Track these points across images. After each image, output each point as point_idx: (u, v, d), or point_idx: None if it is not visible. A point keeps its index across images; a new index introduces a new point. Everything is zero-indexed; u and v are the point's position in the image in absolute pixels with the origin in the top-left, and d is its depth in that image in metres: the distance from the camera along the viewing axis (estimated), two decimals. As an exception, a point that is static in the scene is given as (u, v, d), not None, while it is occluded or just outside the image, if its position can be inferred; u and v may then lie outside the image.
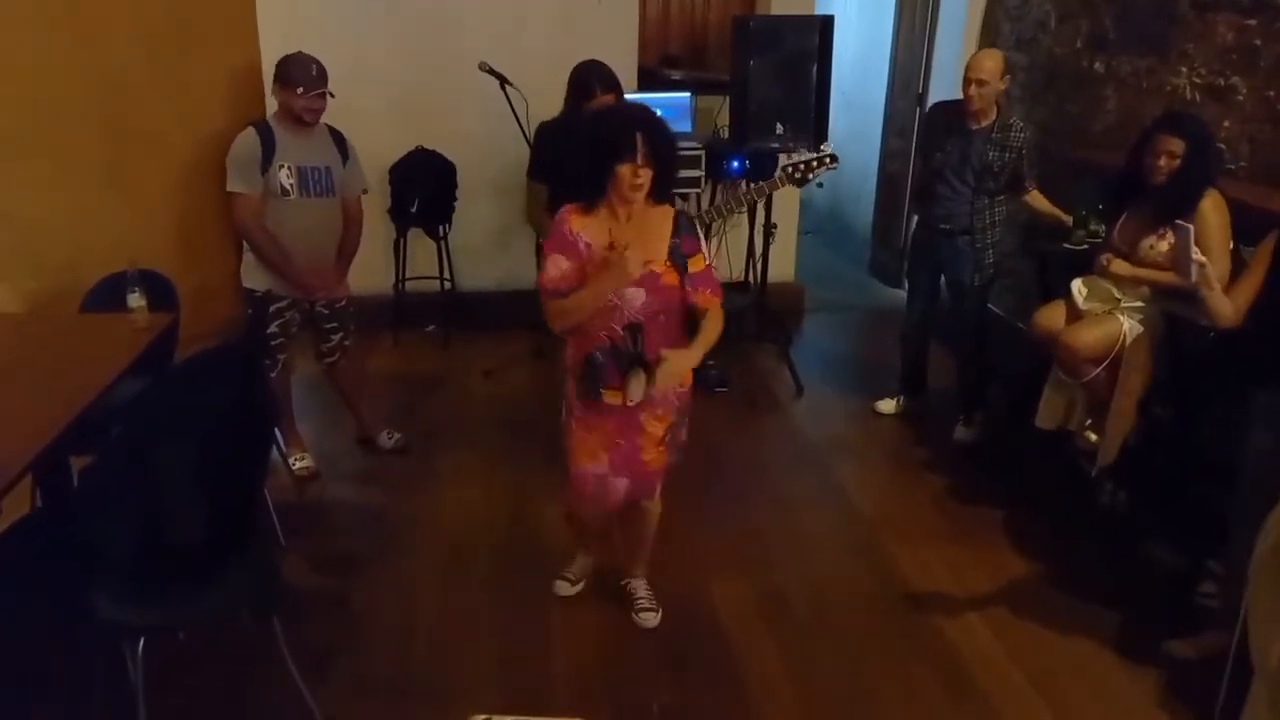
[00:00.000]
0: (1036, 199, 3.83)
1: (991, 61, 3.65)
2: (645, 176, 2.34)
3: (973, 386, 4.14)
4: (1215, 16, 3.58)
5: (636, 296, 2.42)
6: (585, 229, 2.43)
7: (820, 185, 3.54)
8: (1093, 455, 3.36)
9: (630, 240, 2.37)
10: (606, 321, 2.44)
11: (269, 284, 3.41)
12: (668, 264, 2.44)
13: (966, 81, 3.67)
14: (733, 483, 3.78)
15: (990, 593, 3.07)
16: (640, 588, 2.95)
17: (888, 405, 4.34)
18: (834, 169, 3.51)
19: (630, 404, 2.48)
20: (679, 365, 2.45)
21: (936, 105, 4.18)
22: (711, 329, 2.50)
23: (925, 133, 3.93)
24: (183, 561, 2.16)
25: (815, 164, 3.44)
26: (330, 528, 3.42)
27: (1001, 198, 3.80)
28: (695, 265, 2.49)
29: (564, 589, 3.01)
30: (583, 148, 2.43)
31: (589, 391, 2.50)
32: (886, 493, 3.77)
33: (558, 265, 2.43)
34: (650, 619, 2.88)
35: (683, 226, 2.48)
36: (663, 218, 2.48)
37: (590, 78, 3.24)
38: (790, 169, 3.46)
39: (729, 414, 4.35)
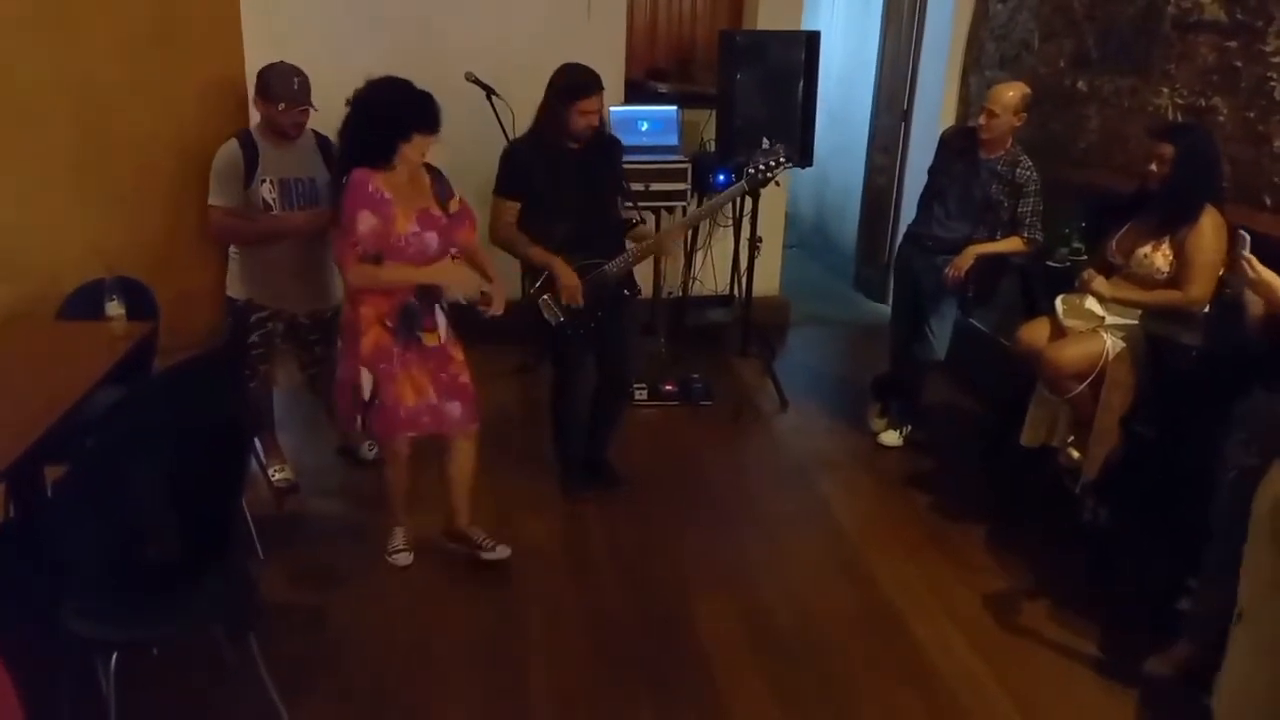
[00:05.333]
0: (1007, 243, 3.75)
1: (1011, 93, 3.63)
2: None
3: (910, 395, 4.16)
4: (1196, 38, 3.61)
5: (432, 240, 2.83)
6: (384, 186, 2.74)
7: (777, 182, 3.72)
8: (1075, 472, 3.37)
9: (409, 193, 2.81)
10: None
11: (252, 293, 3.37)
12: (440, 208, 2.90)
13: (981, 109, 3.68)
14: (715, 497, 3.77)
15: (973, 610, 3.06)
16: (477, 531, 3.22)
17: (891, 437, 4.20)
18: (790, 167, 3.57)
19: (442, 341, 2.93)
20: (502, 297, 3.01)
21: (951, 129, 4.19)
22: (488, 259, 3.10)
23: (935, 153, 3.94)
24: (157, 576, 2.13)
25: (774, 165, 3.49)
26: (309, 540, 3.38)
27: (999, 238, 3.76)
28: (454, 206, 2.97)
29: (405, 559, 3.19)
30: (382, 117, 2.73)
31: (410, 335, 2.86)
32: (869, 508, 3.76)
33: (366, 222, 2.71)
34: (504, 550, 3.16)
35: (438, 176, 2.95)
36: (421, 171, 2.90)
37: (585, 78, 3.20)
38: (754, 172, 3.50)
39: (713, 428, 4.34)
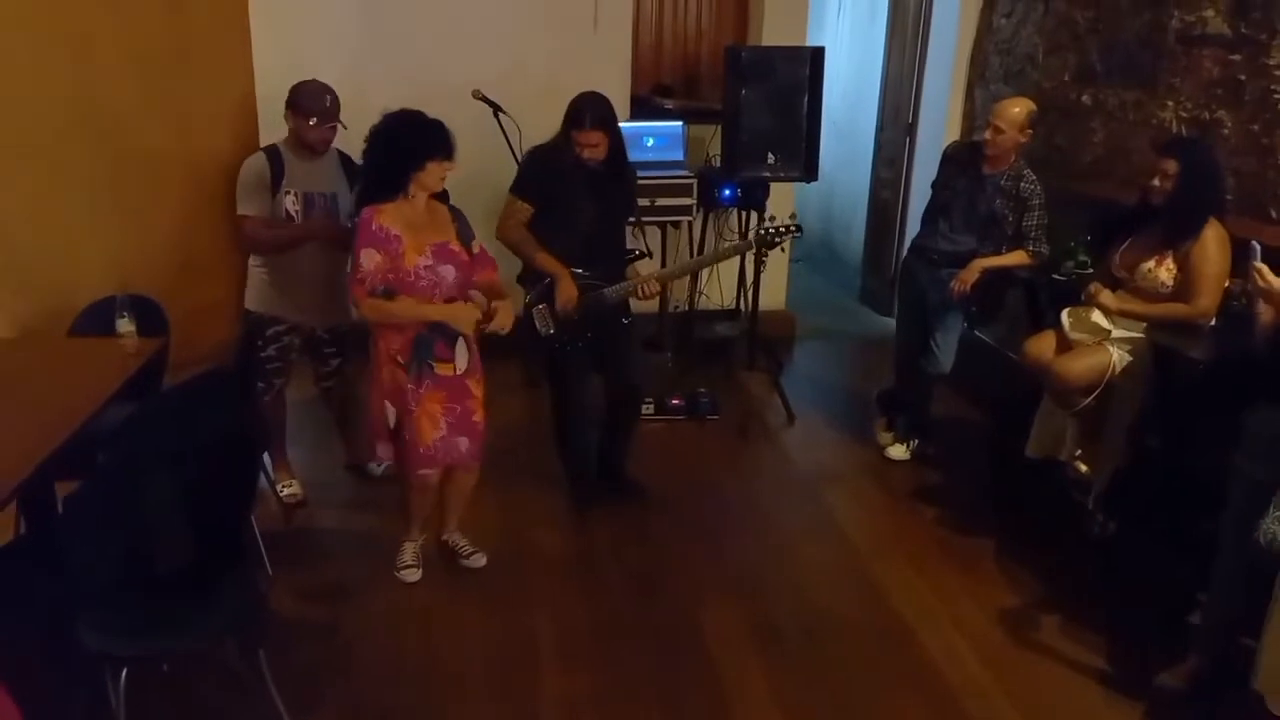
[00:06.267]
0: (1012, 256, 3.74)
1: (1016, 109, 3.63)
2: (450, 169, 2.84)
3: (917, 409, 4.17)
4: (1200, 51, 3.63)
5: (448, 273, 2.85)
6: (390, 222, 2.79)
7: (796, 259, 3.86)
8: (1083, 485, 3.37)
9: (424, 226, 2.85)
10: (429, 300, 2.84)
11: (271, 307, 3.39)
12: (460, 243, 2.92)
13: (987, 124, 3.70)
14: (723, 510, 3.77)
15: (981, 622, 3.06)
16: (459, 539, 3.32)
17: (898, 451, 4.19)
18: (798, 237, 3.73)
19: (458, 372, 2.94)
20: (507, 314, 2.97)
21: (955, 144, 4.21)
22: (504, 292, 3.08)
23: (939, 168, 3.96)
24: (168, 591, 2.14)
25: (784, 230, 3.61)
26: (318, 555, 3.39)
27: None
28: (475, 246, 2.99)
29: (413, 575, 3.20)
30: (395, 147, 2.79)
31: (423, 366, 2.88)
32: (877, 521, 3.76)
33: (371, 259, 2.77)
34: (480, 559, 3.27)
35: (459, 216, 2.99)
36: (441, 207, 2.96)
37: (584, 109, 3.26)
38: (764, 232, 3.60)
39: (720, 442, 4.35)
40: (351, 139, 3.43)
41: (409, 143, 2.78)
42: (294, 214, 3.32)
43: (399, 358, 2.89)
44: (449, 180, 2.96)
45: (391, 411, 2.96)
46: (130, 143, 3.83)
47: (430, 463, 2.99)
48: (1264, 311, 2.57)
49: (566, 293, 3.31)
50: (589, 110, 3.25)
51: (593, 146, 3.25)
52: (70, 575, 2.12)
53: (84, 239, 3.65)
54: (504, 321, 2.97)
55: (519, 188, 3.40)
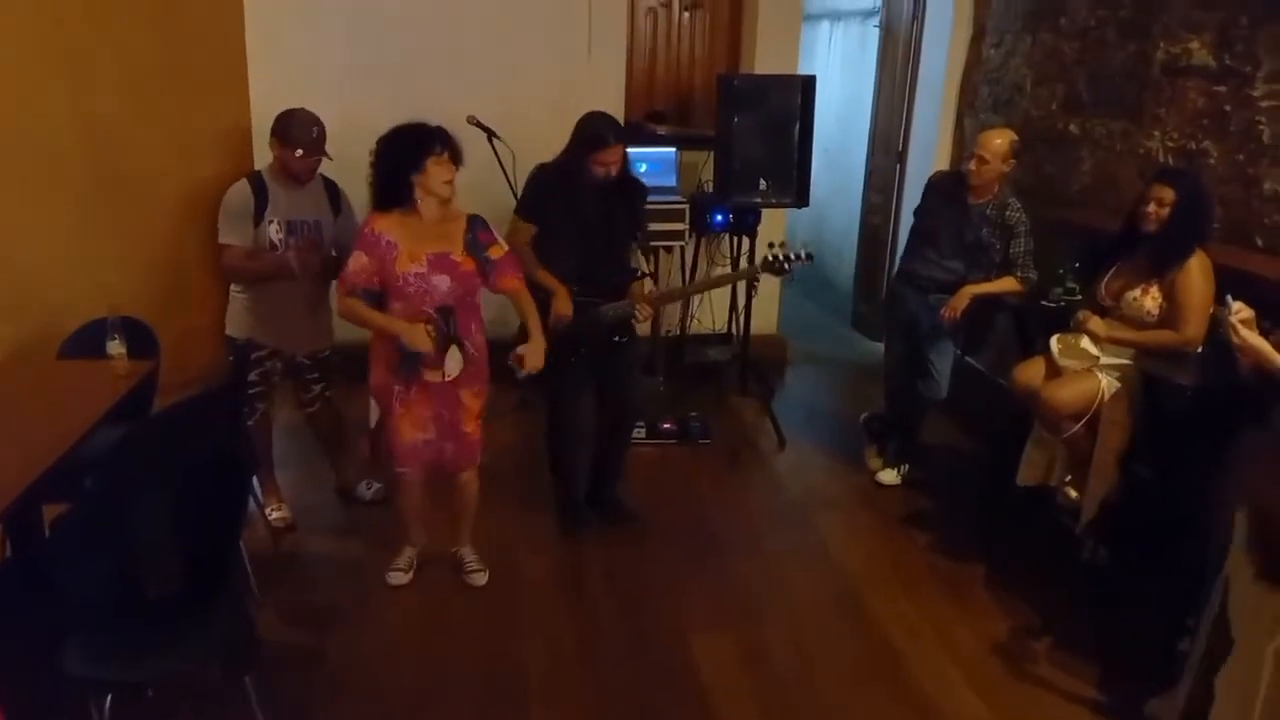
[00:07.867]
0: (1002, 283, 3.78)
1: (999, 140, 3.67)
2: (454, 174, 2.83)
3: (908, 434, 4.19)
4: (1186, 82, 3.68)
5: (442, 283, 2.86)
6: (387, 229, 2.84)
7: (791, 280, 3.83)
8: (1073, 512, 3.37)
9: (427, 235, 2.85)
10: (419, 307, 2.86)
11: (251, 333, 3.39)
12: (465, 254, 2.89)
13: (971, 155, 3.74)
14: (714, 535, 3.76)
15: (973, 650, 3.05)
16: (467, 553, 3.34)
17: (889, 476, 4.21)
18: (809, 265, 3.69)
19: (448, 379, 2.92)
20: (537, 356, 2.99)
21: (940, 173, 4.25)
22: (531, 310, 3.05)
23: (923, 197, 4.00)
24: (155, 616, 2.12)
25: (794, 258, 3.60)
26: (307, 580, 3.37)
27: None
28: (495, 253, 2.96)
29: (399, 579, 3.26)
30: (393, 153, 2.82)
31: (411, 372, 2.90)
32: (869, 547, 3.75)
33: (358, 260, 2.84)
34: (481, 578, 3.29)
35: (476, 224, 2.95)
36: (456, 217, 2.93)
37: (604, 128, 3.27)
38: (771, 258, 3.60)
39: (711, 466, 4.34)
40: (339, 168, 3.46)
41: (406, 146, 2.81)
42: (277, 242, 3.31)
43: (390, 360, 2.93)
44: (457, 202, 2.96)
45: (374, 410, 2.99)
46: (124, 166, 3.84)
47: (407, 460, 3.03)
48: (1242, 362, 2.59)
49: (559, 309, 3.31)
50: (609, 129, 3.27)
51: (615, 162, 3.27)
52: (57, 599, 2.10)
53: (75, 261, 3.64)
54: (534, 364, 2.99)
55: (524, 208, 3.41)
